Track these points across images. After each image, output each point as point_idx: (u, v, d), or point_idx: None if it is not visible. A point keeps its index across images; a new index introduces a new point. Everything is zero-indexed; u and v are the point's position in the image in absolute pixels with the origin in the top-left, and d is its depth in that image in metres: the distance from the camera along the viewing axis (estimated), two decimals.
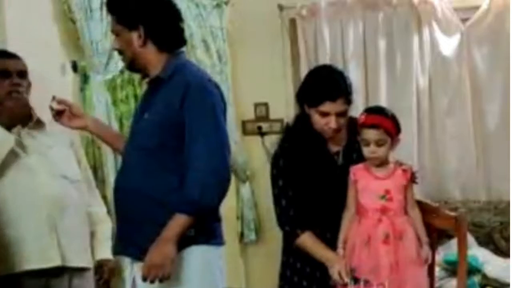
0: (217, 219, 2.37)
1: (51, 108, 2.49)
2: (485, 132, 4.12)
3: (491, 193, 4.12)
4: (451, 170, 4.18)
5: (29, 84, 2.65)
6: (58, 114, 2.51)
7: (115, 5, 2.34)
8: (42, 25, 3.06)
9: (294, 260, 2.56)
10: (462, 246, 2.44)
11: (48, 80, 2.79)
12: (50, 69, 3.02)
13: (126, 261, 2.48)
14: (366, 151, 2.37)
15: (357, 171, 2.41)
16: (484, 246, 3.84)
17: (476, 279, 3.53)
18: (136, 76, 3.37)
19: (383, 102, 4.18)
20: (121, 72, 3.45)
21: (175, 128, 2.25)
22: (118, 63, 3.20)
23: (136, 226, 2.32)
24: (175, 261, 2.22)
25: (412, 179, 2.41)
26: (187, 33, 3.97)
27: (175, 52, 2.39)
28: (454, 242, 2.62)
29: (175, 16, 2.38)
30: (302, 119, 2.50)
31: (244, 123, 4.53)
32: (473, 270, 3.45)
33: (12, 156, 2.48)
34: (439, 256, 3.33)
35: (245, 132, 4.52)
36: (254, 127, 4.54)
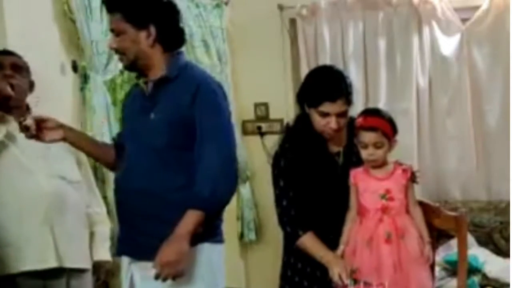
0: (221, 217, 2.42)
1: (26, 128, 2.31)
2: (485, 132, 4.12)
3: (491, 193, 4.12)
4: (451, 170, 4.18)
5: (32, 83, 2.65)
6: (36, 131, 2.34)
7: (124, 3, 2.31)
8: (42, 25, 3.05)
9: (295, 260, 2.56)
10: (462, 246, 2.44)
11: (48, 80, 2.79)
12: (50, 69, 3.01)
13: (124, 261, 2.48)
14: (365, 153, 2.37)
15: (356, 175, 2.41)
16: (484, 246, 3.85)
17: (476, 279, 3.53)
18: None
19: (383, 102, 4.19)
20: (121, 72, 3.44)
21: (184, 127, 2.28)
22: (118, 63, 3.20)
23: (143, 225, 2.33)
24: (188, 258, 2.25)
25: (412, 178, 2.41)
26: (187, 33, 4.02)
27: (175, 52, 2.41)
28: (454, 242, 2.63)
29: (178, 17, 2.41)
30: (303, 119, 2.50)
31: (244, 123, 4.54)
32: (473, 270, 3.46)
33: (2, 148, 2.47)
34: (439, 256, 3.33)
35: (245, 132, 4.52)
36: (254, 127, 4.54)
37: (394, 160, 2.43)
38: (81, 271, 2.67)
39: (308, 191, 2.47)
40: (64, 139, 2.41)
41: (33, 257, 2.50)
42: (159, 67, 2.35)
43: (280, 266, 2.65)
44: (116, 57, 2.66)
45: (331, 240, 2.45)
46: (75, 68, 3.25)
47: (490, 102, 4.08)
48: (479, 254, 3.66)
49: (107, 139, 3.05)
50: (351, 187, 2.42)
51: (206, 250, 2.34)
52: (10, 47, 2.69)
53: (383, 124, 2.35)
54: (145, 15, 2.31)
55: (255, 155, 4.18)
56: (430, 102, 4.19)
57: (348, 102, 2.42)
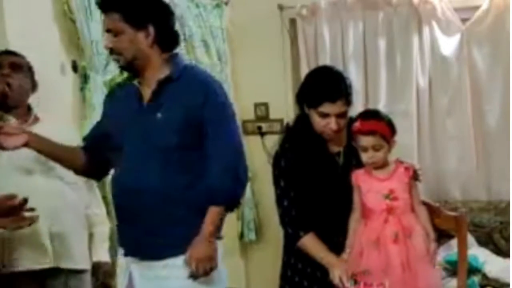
0: None
1: None
2: (485, 132, 4.12)
3: (491, 193, 4.12)
4: (451, 170, 4.18)
5: (34, 83, 2.65)
6: None
7: (122, 3, 2.31)
8: (42, 25, 3.05)
9: (295, 260, 2.56)
10: (462, 246, 2.44)
11: (48, 80, 2.79)
12: (50, 69, 3.01)
13: (122, 260, 2.48)
14: (365, 157, 2.36)
15: (358, 176, 2.41)
16: (484, 246, 3.85)
17: (476, 279, 3.53)
18: None
19: (383, 102, 4.19)
20: (121, 72, 3.45)
21: (194, 127, 2.32)
22: None
23: (149, 225, 2.33)
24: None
25: (415, 177, 2.40)
26: (187, 33, 4.04)
27: (172, 52, 2.42)
28: (454, 242, 2.62)
29: (174, 17, 2.44)
30: (303, 119, 2.49)
31: (244, 123, 4.54)
32: (473, 270, 3.46)
33: None
34: (439, 256, 3.33)
35: (245, 132, 4.52)
36: (254, 127, 4.55)
37: (395, 158, 2.43)
38: (79, 271, 2.67)
39: (308, 191, 2.47)
40: (27, 145, 2.32)
41: (30, 257, 2.50)
42: (156, 67, 2.36)
43: (280, 266, 2.65)
44: None
45: (332, 240, 2.45)
46: (75, 68, 3.25)
47: (490, 102, 4.08)
48: (479, 254, 3.66)
49: None
50: (354, 188, 2.42)
51: (219, 246, 2.40)
52: (10, 47, 2.69)
53: (381, 127, 2.35)
54: (144, 16, 2.31)
55: (255, 155, 4.17)
56: (430, 102, 4.19)
57: (348, 102, 2.41)
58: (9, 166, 2.49)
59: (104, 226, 2.86)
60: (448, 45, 4.11)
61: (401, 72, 4.19)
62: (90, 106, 3.22)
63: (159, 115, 2.33)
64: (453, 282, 2.95)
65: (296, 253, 2.53)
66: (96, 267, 2.77)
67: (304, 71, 4.13)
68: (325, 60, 4.26)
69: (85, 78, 3.24)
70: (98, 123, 2.59)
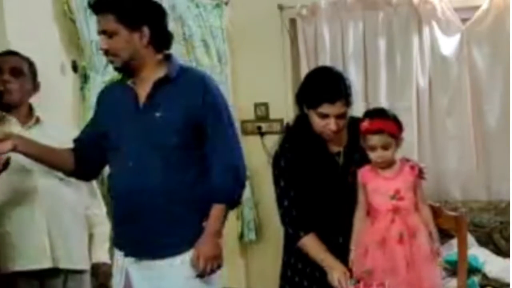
0: None
1: None
2: (485, 132, 4.12)
3: (491, 193, 4.12)
4: (451, 170, 4.18)
5: (36, 83, 2.65)
6: None
7: (116, 4, 2.31)
8: (42, 25, 3.05)
9: (295, 260, 2.55)
10: (462, 246, 2.44)
11: (48, 80, 2.79)
12: (50, 69, 3.01)
13: (119, 260, 2.47)
14: (374, 156, 2.35)
15: (365, 174, 2.39)
16: (484, 246, 3.85)
17: (476, 279, 3.53)
18: None
19: (383, 102, 4.19)
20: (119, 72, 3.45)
21: (194, 126, 2.34)
22: None
23: (151, 224, 2.34)
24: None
25: (420, 175, 2.40)
26: (187, 33, 4.04)
27: (166, 53, 2.43)
28: (454, 242, 2.62)
29: (167, 18, 2.45)
30: (302, 119, 2.49)
31: (244, 123, 4.54)
32: (473, 270, 3.46)
33: None
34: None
35: (245, 132, 4.52)
36: (254, 127, 4.55)
37: (401, 157, 2.41)
38: (78, 272, 2.67)
39: (308, 191, 2.47)
40: (14, 149, 2.29)
41: (29, 257, 2.50)
42: (152, 67, 2.37)
43: (280, 266, 2.65)
44: None
45: (332, 241, 2.45)
46: (75, 68, 3.25)
47: (490, 102, 4.08)
48: (479, 254, 3.66)
49: None
50: (359, 187, 2.40)
51: None
52: (10, 47, 2.69)
53: (389, 125, 2.34)
54: (139, 16, 2.32)
55: (255, 155, 4.17)
56: (430, 102, 4.20)
57: (348, 103, 2.40)
58: (10, 167, 2.48)
59: (104, 226, 2.85)
60: (448, 45, 4.11)
61: (401, 72, 4.20)
62: (90, 106, 3.22)
63: (157, 114, 2.33)
64: (453, 282, 2.95)
65: (296, 253, 2.53)
66: (96, 268, 2.77)
67: (304, 71, 4.13)
68: (325, 60, 4.26)
69: (85, 78, 3.24)
70: (90, 124, 2.59)
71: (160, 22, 2.39)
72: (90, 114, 3.19)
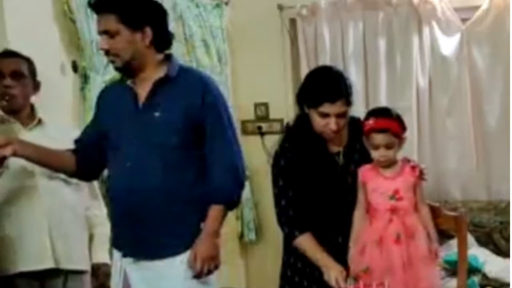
0: None
1: None
2: (485, 132, 4.12)
3: (491, 193, 4.13)
4: (451, 170, 4.18)
5: (36, 83, 2.64)
6: None
7: (118, 4, 2.30)
8: (42, 25, 3.05)
9: (295, 260, 2.55)
10: (462, 246, 2.44)
11: (48, 80, 2.78)
12: (50, 69, 3.01)
13: (116, 260, 2.47)
14: (377, 155, 2.35)
15: (365, 172, 2.39)
16: (484, 246, 3.85)
17: (476, 279, 3.53)
18: None
19: (383, 102, 4.19)
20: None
21: (194, 126, 2.34)
22: None
23: (151, 224, 2.34)
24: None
25: (421, 176, 2.40)
26: (187, 33, 4.04)
27: (166, 53, 2.43)
28: (454, 242, 2.62)
29: (167, 18, 2.45)
30: (303, 119, 2.49)
31: (244, 123, 4.54)
32: (473, 270, 3.46)
33: None
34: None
35: (245, 132, 4.52)
36: (254, 127, 4.55)
37: (403, 157, 2.42)
38: (79, 272, 2.67)
39: (308, 191, 2.47)
40: (15, 154, 2.30)
41: (30, 258, 2.50)
42: (152, 68, 2.37)
43: (280, 266, 2.65)
44: None
45: (331, 240, 2.45)
46: (75, 68, 3.25)
47: (490, 102, 4.08)
48: (479, 254, 3.66)
49: None
50: (359, 185, 2.41)
51: None
52: (10, 47, 2.69)
53: (393, 125, 2.35)
54: (141, 17, 2.31)
55: (255, 155, 4.18)
56: (430, 102, 4.20)
57: (348, 103, 2.41)
58: (11, 167, 2.48)
59: (105, 227, 2.84)
60: (448, 45, 4.11)
61: (401, 72, 4.20)
62: (90, 106, 3.22)
63: (156, 114, 2.33)
64: (453, 282, 2.95)
65: (295, 252, 2.52)
66: (96, 268, 2.77)
67: (304, 71, 4.13)
68: (325, 60, 4.26)
69: (85, 78, 3.24)
70: (91, 124, 2.59)
71: (162, 23, 2.39)
72: (90, 115, 3.19)
